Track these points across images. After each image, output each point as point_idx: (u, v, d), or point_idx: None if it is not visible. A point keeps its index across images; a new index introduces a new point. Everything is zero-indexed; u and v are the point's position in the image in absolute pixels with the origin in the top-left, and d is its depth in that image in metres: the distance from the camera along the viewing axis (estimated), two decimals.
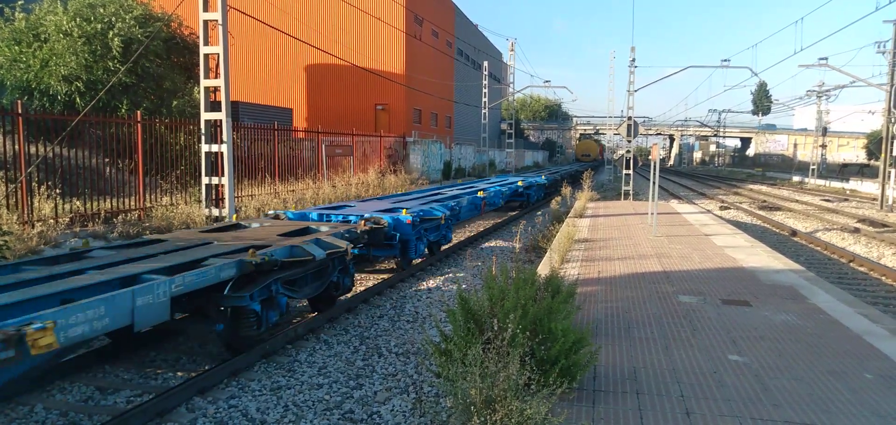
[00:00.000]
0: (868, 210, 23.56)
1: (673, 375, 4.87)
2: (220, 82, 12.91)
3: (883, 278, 11.61)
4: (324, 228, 8.74)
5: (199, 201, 13.75)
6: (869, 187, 33.93)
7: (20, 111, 10.91)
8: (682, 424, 4.02)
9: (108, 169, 13.26)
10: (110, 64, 16.21)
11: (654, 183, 13.75)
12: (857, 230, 17.51)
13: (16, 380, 4.40)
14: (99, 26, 16.44)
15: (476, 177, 36.89)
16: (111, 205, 12.71)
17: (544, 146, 79.82)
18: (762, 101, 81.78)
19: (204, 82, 13.19)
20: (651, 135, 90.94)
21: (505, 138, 50.72)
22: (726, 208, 24.91)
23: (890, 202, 24.35)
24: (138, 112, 14.00)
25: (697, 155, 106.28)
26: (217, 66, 13.06)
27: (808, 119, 72.41)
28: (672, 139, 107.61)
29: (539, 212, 20.09)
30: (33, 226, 10.22)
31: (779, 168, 67.80)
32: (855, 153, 72.45)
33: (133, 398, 5.53)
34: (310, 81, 37.10)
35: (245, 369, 6.16)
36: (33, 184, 11.10)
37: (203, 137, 13.30)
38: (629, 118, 22.47)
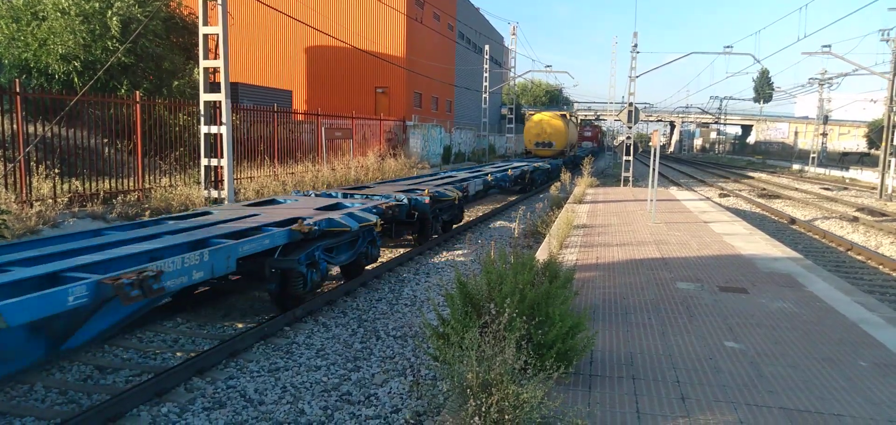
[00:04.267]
0: (867, 199, 23.55)
1: (669, 361, 4.89)
2: (219, 63, 12.83)
3: (880, 267, 11.63)
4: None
5: (198, 183, 13.73)
6: (869, 176, 33.90)
7: (18, 90, 10.86)
8: (677, 409, 4.04)
9: (106, 149, 13.22)
10: (109, 43, 16.09)
11: (653, 169, 13.72)
12: (855, 219, 17.52)
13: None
14: (97, 5, 16.29)
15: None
16: (110, 185, 12.69)
17: None
18: (764, 88, 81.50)
19: (203, 63, 13.11)
20: (652, 121, 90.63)
21: (505, 123, 50.57)
22: (726, 196, 24.90)
23: (889, 191, 24.34)
24: (137, 92, 13.93)
25: (698, 142, 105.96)
26: (216, 46, 12.98)
27: (809, 107, 72.17)
28: (673, 126, 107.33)
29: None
30: (32, 206, 10.20)
31: (779, 156, 67.66)
32: (856, 142, 72.24)
33: (132, 377, 5.56)
34: (310, 63, 36.91)
35: (243, 350, 6.19)
36: (32, 163, 11.07)
37: (202, 118, 13.24)
38: (630, 104, 22.40)
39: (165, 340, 6.52)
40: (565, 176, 21.26)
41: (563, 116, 33.65)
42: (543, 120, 33.18)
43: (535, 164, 24.52)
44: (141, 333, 6.60)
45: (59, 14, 16.01)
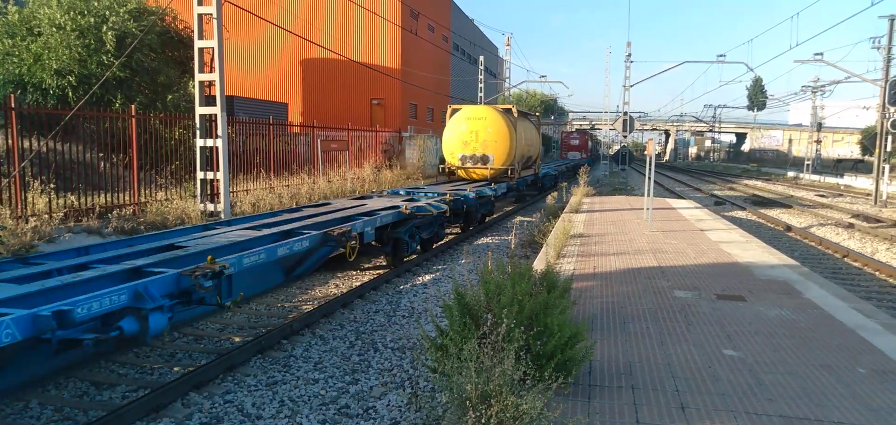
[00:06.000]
0: (862, 205, 23.66)
1: (668, 370, 4.88)
2: (214, 76, 12.84)
3: (877, 273, 11.66)
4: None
5: (194, 196, 13.70)
6: (863, 183, 34.06)
7: (13, 105, 10.84)
8: (677, 418, 4.03)
9: (102, 164, 13.20)
10: (104, 58, 16.11)
11: (649, 178, 13.76)
12: (851, 225, 17.58)
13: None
14: (92, 20, 16.32)
15: None
16: (106, 200, 12.65)
17: None
18: (757, 96, 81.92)
19: (198, 76, 13.13)
20: (647, 130, 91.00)
21: None
22: (721, 203, 24.98)
23: (884, 197, 24.45)
24: (133, 106, 13.92)
25: (693, 150, 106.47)
26: (212, 60, 13.00)
27: (803, 114, 72.58)
28: (668, 134, 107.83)
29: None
30: (27, 222, 10.16)
31: (774, 163, 68.00)
32: (849, 148, 72.64)
33: (128, 393, 5.51)
34: (305, 76, 36.99)
35: (241, 364, 6.16)
36: (27, 178, 11.04)
37: (198, 132, 13.24)
38: (625, 113, 22.49)
39: (162, 355, 6.48)
40: (562, 184, 21.25)
41: (508, 113, 19.13)
42: (474, 118, 18.50)
43: (419, 205, 11.12)
44: (137, 348, 6.55)
45: (54, 29, 16.03)
